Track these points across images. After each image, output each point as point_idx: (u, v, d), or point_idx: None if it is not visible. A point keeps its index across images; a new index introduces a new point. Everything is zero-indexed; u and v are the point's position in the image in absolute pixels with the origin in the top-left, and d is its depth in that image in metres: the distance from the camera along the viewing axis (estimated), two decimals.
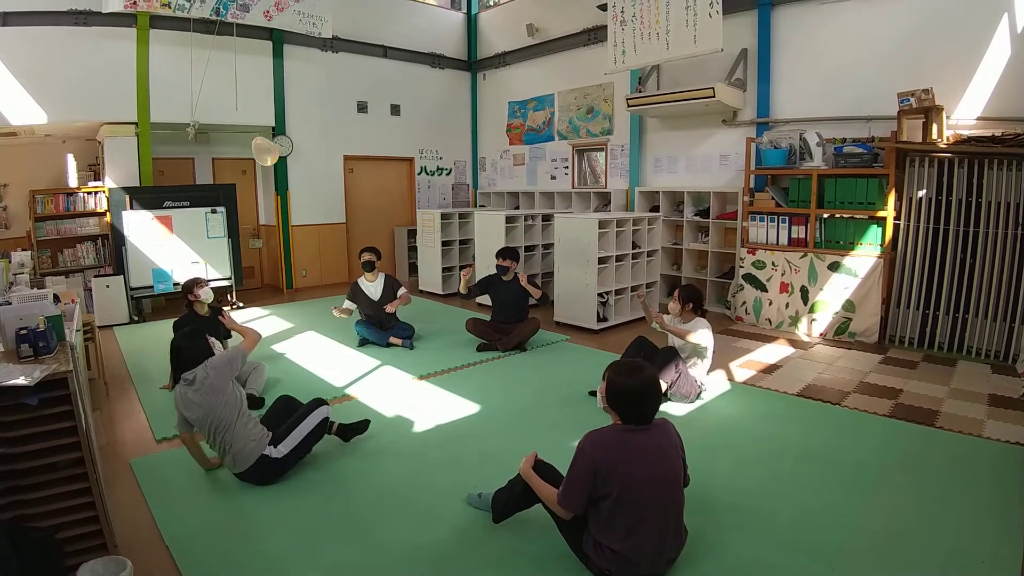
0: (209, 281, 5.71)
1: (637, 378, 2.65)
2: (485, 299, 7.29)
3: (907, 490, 3.58)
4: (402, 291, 6.93)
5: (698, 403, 4.98)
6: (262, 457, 3.61)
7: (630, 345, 5.26)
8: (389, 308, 6.73)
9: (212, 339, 5.16)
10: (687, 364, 4.98)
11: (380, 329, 6.79)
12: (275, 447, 3.67)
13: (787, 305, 7.28)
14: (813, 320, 7.08)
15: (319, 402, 3.98)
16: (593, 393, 5.09)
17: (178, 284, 8.39)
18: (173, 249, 8.45)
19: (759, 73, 8.10)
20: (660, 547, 2.65)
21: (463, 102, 12.75)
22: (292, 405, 4.17)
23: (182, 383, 3.67)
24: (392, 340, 6.74)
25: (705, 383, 5.09)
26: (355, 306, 6.88)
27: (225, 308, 5.88)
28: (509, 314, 6.76)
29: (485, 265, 8.65)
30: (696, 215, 8.69)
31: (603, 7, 8.65)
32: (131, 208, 8.32)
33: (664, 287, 8.92)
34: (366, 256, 6.88)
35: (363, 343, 6.81)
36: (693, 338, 4.91)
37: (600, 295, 7.48)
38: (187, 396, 3.63)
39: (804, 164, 7.01)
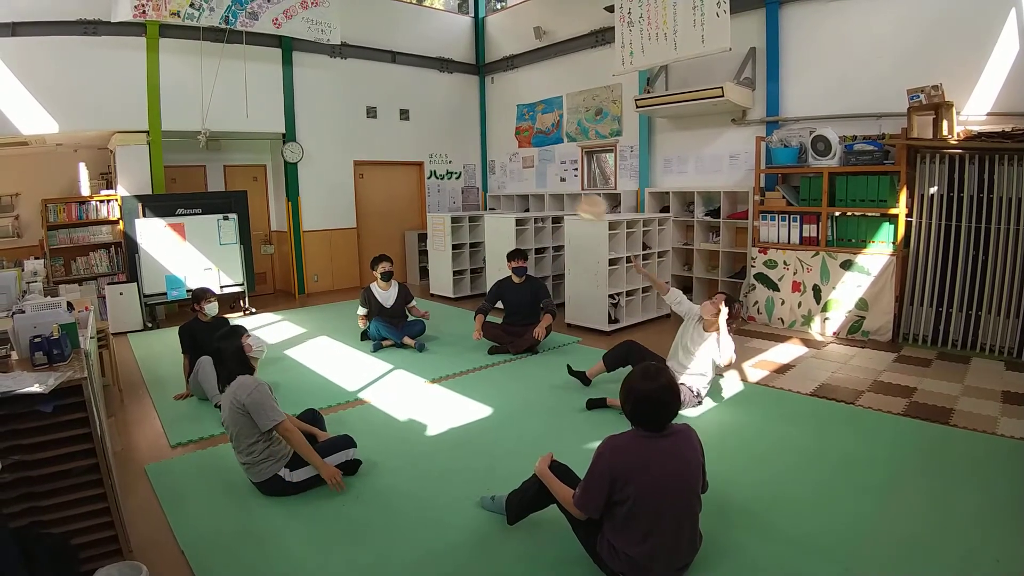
0: (216, 296, 5.79)
1: (654, 383, 2.62)
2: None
3: (922, 489, 3.56)
4: (414, 303, 7.21)
5: (708, 404, 4.94)
6: (275, 477, 3.59)
7: (618, 346, 5.19)
8: (425, 315, 7.17)
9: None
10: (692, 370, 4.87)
11: (396, 330, 6.87)
12: (292, 471, 3.61)
13: (799, 304, 7.24)
14: (826, 319, 7.04)
15: (349, 442, 3.87)
16: (571, 371, 5.46)
17: (191, 291, 8.45)
18: (186, 256, 8.50)
19: (768, 72, 8.07)
20: (675, 553, 2.64)
21: (472, 106, 12.77)
22: (317, 422, 4.19)
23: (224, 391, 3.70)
24: (406, 340, 6.78)
25: (703, 392, 4.90)
26: (366, 311, 7.05)
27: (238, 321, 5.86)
28: (521, 317, 6.75)
29: (496, 268, 8.65)
30: (707, 215, 8.66)
31: (610, 8, 8.64)
32: (144, 216, 8.38)
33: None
34: (386, 267, 7.03)
35: (377, 348, 6.82)
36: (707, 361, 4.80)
37: (611, 296, 7.47)
38: (224, 401, 3.65)
39: (815, 162, 6.96)
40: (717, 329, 4.71)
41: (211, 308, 5.67)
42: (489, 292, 7.04)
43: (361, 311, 7.06)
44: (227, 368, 3.71)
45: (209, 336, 5.40)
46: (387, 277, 7.02)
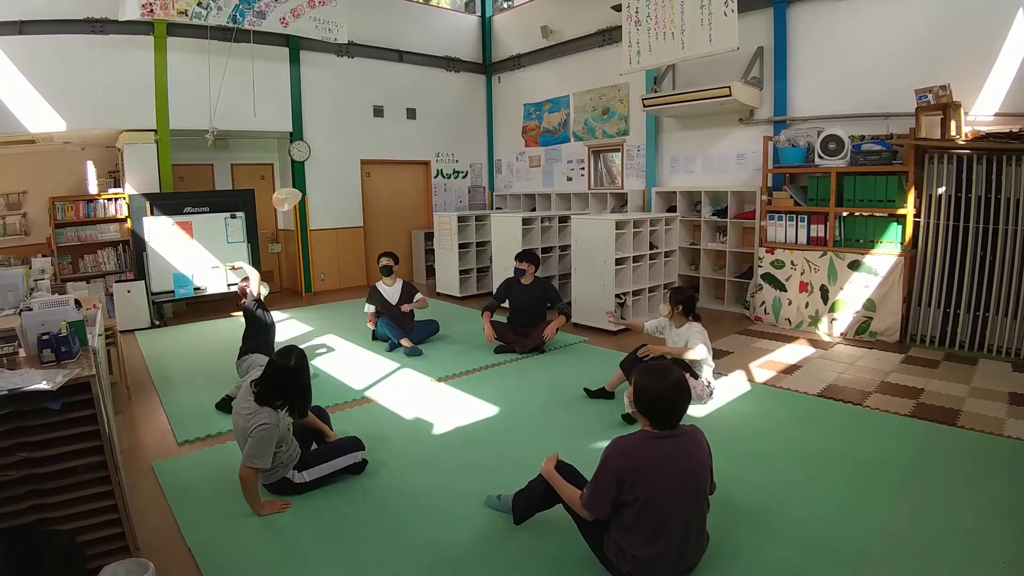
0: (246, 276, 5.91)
1: (665, 381, 2.62)
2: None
3: (928, 491, 3.54)
4: (419, 296, 7.06)
5: (715, 404, 4.94)
6: (283, 479, 3.60)
7: (631, 353, 5.10)
8: (404, 308, 6.91)
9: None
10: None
11: (399, 329, 6.82)
12: (299, 472, 3.61)
13: (807, 305, 7.22)
14: (833, 319, 7.02)
15: (358, 444, 3.86)
16: (626, 417, 4.64)
17: (199, 288, 8.54)
18: (193, 254, 8.53)
19: (775, 71, 8.04)
20: (681, 555, 2.63)
21: (479, 105, 12.78)
22: (323, 418, 4.17)
23: (245, 392, 3.56)
24: (402, 342, 6.69)
25: (713, 383, 4.98)
26: (374, 308, 7.01)
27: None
28: (526, 317, 6.76)
29: (502, 267, 8.66)
30: (714, 215, 8.65)
31: (617, 7, 8.62)
32: (151, 214, 8.41)
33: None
34: (384, 261, 7.04)
35: (393, 347, 6.76)
36: (691, 355, 4.76)
37: (617, 296, 7.46)
38: (238, 408, 3.57)
39: (822, 162, 6.92)
40: (685, 323, 4.97)
41: (251, 285, 5.79)
42: (497, 289, 7.03)
43: (368, 308, 7.02)
44: (282, 387, 3.47)
45: (264, 326, 5.65)
46: (386, 272, 7.01)
